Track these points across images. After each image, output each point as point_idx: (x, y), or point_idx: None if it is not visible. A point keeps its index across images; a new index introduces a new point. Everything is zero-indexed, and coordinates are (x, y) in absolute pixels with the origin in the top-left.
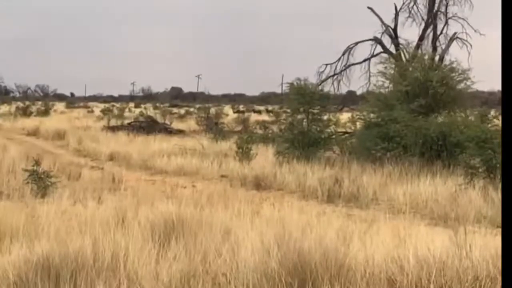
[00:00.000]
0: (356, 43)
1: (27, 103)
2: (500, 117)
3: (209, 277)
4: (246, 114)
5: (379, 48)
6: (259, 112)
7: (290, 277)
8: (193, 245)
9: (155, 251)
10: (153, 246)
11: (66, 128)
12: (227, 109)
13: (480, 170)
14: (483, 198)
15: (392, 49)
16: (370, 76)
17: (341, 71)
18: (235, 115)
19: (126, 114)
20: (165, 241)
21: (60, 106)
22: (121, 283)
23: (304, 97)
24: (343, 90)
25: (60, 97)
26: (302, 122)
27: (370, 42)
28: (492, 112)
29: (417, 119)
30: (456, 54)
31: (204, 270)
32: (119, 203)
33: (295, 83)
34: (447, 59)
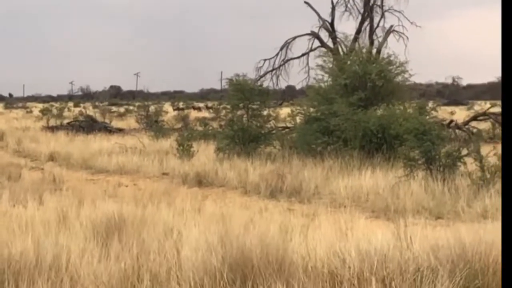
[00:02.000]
0: (294, 38)
1: None
2: (438, 109)
3: (151, 275)
4: (186, 111)
5: (317, 43)
6: (199, 109)
7: (232, 274)
8: (136, 243)
9: (97, 251)
10: (95, 246)
11: (4, 129)
12: (167, 106)
13: (419, 162)
14: (424, 189)
15: (330, 43)
16: (309, 70)
17: (280, 66)
18: (175, 112)
19: (65, 113)
20: (107, 240)
21: None
22: (64, 283)
23: (243, 93)
24: (282, 85)
25: None
26: (242, 118)
27: (308, 36)
28: (430, 104)
29: (357, 113)
30: (393, 47)
31: (147, 269)
32: (60, 203)
33: (234, 79)
34: (385, 52)
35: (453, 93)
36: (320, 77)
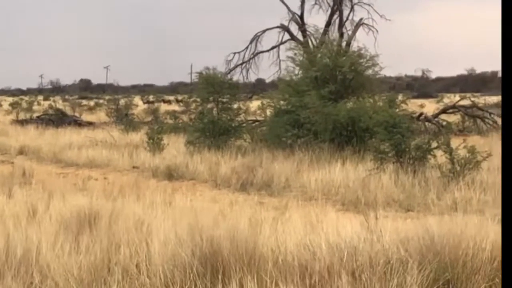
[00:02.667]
0: (264, 31)
1: None
2: (408, 102)
3: (121, 268)
4: (156, 105)
5: (287, 36)
6: (168, 102)
7: (202, 267)
8: (106, 237)
9: (67, 244)
10: (66, 239)
11: None
12: (137, 100)
13: (389, 154)
14: (394, 182)
15: (300, 36)
16: (280, 63)
17: (249, 59)
18: (145, 105)
19: (35, 107)
20: (78, 234)
21: None
22: (34, 277)
23: (213, 86)
24: (252, 78)
25: None
26: (212, 111)
27: (278, 29)
28: (400, 97)
29: (327, 105)
30: (363, 40)
31: (117, 262)
32: (30, 197)
33: (204, 72)
34: (354, 45)
35: (423, 86)
36: (291, 69)
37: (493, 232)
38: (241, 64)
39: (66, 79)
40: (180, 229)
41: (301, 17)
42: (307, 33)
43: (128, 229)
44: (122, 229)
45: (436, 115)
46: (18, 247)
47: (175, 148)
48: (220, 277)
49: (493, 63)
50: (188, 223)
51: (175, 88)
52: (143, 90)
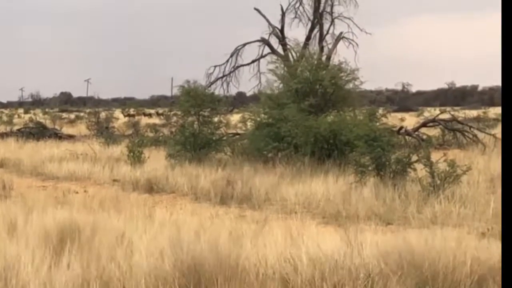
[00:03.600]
0: (244, 45)
1: None
2: (388, 115)
3: (103, 282)
4: (137, 118)
5: (267, 49)
6: (149, 115)
7: (185, 280)
8: (87, 251)
9: (48, 259)
10: (47, 254)
11: None
12: (118, 113)
13: (370, 168)
14: (374, 195)
15: (280, 49)
16: (260, 76)
17: (230, 72)
18: (126, 118)
19: (15, 120)
20: (59, 248)
21: None
22: None
23: (195, 99)
24: (233, 91)
25: None
26: (193, 124)
27: (258, 43)
28: (380, 111)
29: (308, 118)
30: (343, 54)
31: (98, 276)
32: (9, 210)
33: (185, 86)
34: (335, 58)
35: (403, 100)
36: (272, 82)
37: (473, 246)
38: (222, 77)
39: (47, 92)
40: (161, 242)
41: (282, 30)
42: (288, 46)
43: (108, 243)
44: (103, 243)
45: (416, 129)
46: None
47: (156, 161)
48: None
49: (473, 78)
50: (169, 236)
51: (155, 102)
52: (124, 103)
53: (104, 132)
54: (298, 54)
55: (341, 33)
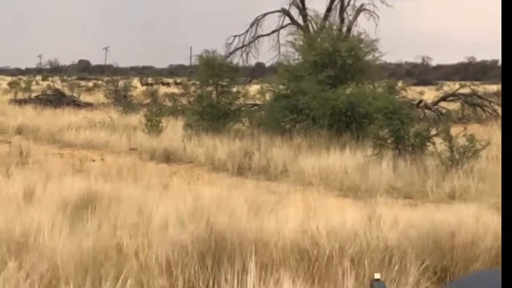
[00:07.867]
0: (264, 15)
1: None
2: (407, 89)
3: (121, 250)
4: (155, 87)
5: (287, 20)
6: (167, 84)
7: (203, 250)
8: (105, 219)
9: (66, 226)
10: (64, 221)
11: None
12: (136, 81)
13: (388, 141)
14: (392, 169)
15: (300, 20)
16: (279, 47)
17: (250, 42)
18: (144, 87)
19: (34, 87)
20: (77, 216)
21: None
22: (33, 258)
23: (213, 69)
24: (252, 62)
25: None
26: (211, 95)
27: (278, 13)
28: (400, 84)
29: (326, 91)
30: (363, 26)
31: (116, 244)
32: (27, 178)
33: (204, 55)
34: (355, 30)
35: (423, 73)
36: (290, 54)
37: (491, 221)
38: (241, 47)
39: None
40: (179, 212)
41: (302, 1)
42: (308, 17)
43: (126, 211)
44: (120, 211)
45: (435, 103)
46: (17, 228)
47: (173, 131)
48: (220, 261)
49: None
50: (186, 206)
51: (174, 71)
52: (142, 72)
53: (122, 100)
54: (318, 26)
55: (362, 4)
